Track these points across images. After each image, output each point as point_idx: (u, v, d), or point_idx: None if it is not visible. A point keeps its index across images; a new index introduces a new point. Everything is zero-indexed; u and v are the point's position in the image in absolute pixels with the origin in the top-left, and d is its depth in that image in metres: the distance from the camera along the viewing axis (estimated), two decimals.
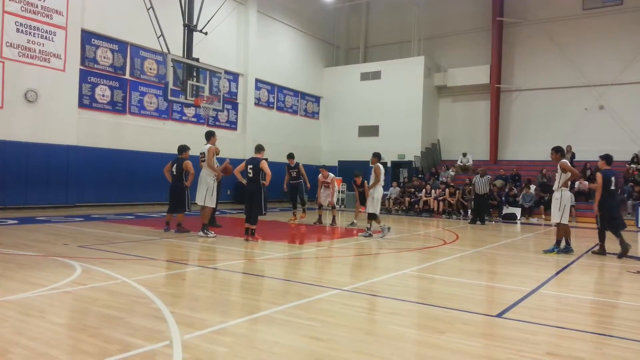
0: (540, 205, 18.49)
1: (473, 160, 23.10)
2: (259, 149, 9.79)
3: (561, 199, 8.99)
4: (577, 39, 22.18)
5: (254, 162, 9.50)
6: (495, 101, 23.77)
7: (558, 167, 9.12)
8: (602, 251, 9.10)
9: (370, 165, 11.17)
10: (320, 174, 13.74)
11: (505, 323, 4.48)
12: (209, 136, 10.26)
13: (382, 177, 10.89)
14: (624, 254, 8.74)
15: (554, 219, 9.15)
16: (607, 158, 9.27)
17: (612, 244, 9.20)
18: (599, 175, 9.05)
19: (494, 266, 8.05)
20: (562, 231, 9.12)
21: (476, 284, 6.46)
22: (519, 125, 23.74)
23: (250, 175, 9.47)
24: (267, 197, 9.68)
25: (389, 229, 10.89)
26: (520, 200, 18.62)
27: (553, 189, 9.41)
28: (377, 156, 11.26)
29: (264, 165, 9.41)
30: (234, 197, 20.90)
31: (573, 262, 8.32)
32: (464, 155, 23.34)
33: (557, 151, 9.24)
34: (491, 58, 23.70)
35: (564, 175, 9.04)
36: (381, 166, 11.00)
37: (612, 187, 9.06)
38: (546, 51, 22.86)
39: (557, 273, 7.24)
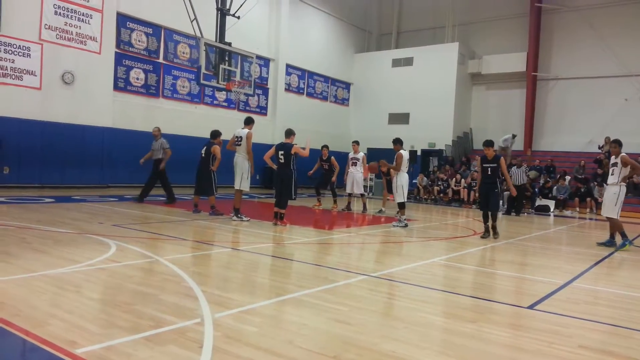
0: (575, 197, 18.01)
1: None
2: (289, 133, 9.76)
3: (619, 194, 8.70)
4: (618, 28, 21.29)
5: (285, 147, 9.51)
6: (531, 90, 23.14)
7: (618, 161, 8.77)
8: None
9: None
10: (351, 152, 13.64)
11: (537, 315, 4.40)
12: (249, 122, 10.07)
13: (405, 164, 10.48)
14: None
15: (610, 213, 8.86)
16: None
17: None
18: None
19: (525, 258, 7.89)
20: (618, 225, 8.90)
21: (507, 275, 6.35)
22: (555, 115, 23.06)
23: (282, 160, 9.49)
24: (297, 183, 9.69)
25: (406, 224, 10.43)
26: (555, 192, 18.17)
27: (607, 182, 9.13)
28: (398, 142, 10.75)
29: (298, 149, 9.43)
30: (262, 181, 21.06)
31: (607, 256, 8.09)
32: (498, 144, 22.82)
33: (619, 144, 8.88)
34: (528, 45, 23.00)
35: (624, 169, 8.71)
36: (404, 153, 10.54)
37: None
38: (586, 39, 22.04)
39: (591, 267, 7.06)
